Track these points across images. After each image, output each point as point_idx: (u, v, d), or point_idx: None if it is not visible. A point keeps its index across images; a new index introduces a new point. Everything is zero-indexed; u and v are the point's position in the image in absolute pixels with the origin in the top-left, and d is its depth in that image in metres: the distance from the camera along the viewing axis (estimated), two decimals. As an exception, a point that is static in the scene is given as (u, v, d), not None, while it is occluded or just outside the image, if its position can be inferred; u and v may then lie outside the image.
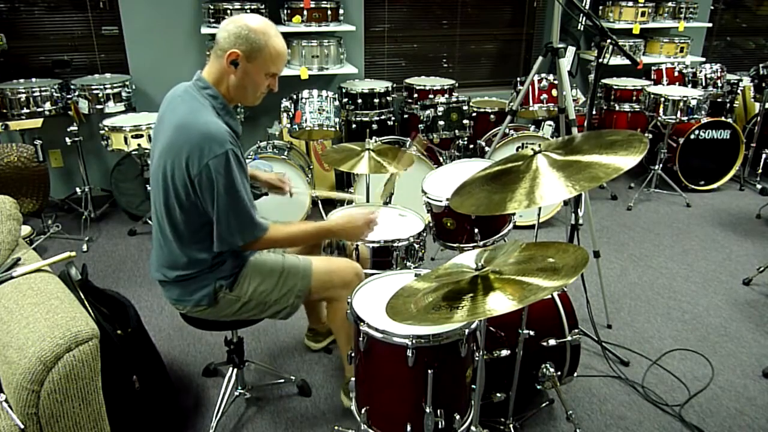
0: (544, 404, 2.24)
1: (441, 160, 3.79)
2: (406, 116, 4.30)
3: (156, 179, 1.72)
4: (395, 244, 2.18)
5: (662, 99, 4.06)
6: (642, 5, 4.54)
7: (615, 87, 4.57)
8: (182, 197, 1.68)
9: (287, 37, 3.90)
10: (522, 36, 5.03)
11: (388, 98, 4.05)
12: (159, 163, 1.69)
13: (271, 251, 2.09)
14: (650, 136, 4.46)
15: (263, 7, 3.79)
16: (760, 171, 4.61)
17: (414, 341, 1.53)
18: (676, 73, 4.61)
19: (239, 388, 2.26)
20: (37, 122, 3.55)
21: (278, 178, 2.23)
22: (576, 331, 2.07)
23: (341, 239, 2.00)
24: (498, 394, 1.99)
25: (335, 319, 2.05)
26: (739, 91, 4.78)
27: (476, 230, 2.29)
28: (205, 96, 1.71)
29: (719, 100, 4.69)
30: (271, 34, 1.69)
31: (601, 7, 4.74)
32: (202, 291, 1.81)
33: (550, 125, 3.94)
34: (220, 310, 1.87)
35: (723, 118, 4.39)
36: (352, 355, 1.73)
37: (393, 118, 4.10)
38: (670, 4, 4.69)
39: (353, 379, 1.76)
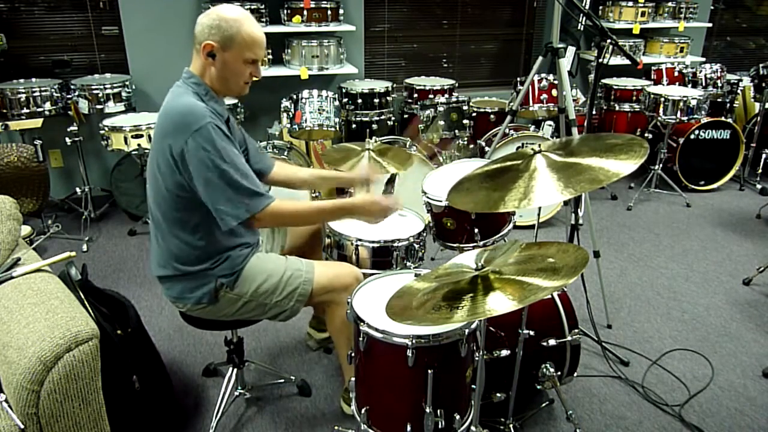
0: (544, 404, 2.24)
1: (441, 160, 3.79)
2: (406, 116, 4.30)
3: (150, 172, 1.75)
4: (395, 244, 2.18)
5: (662, 99, 4.06)
6: (642, 5, 4.55)
7: (615, 87, 4.57)
8: (169, 182, 1.69)
9: (287, 37, 3.93)
10: (522, 36, 5.03)
11: (388, 98, 4.05)
12: (151, 156, 1.72)
13: (272, 253, 2.09)
14: (650, 136, 4.46)
15: (263, 7, 3.79)
16: (760, 171, 4.61)
17: (414, 341, 1.53)
18: (676, 73, 4.62)
19: (239, 388, 2.26)
20: (37, 122, 3.55)
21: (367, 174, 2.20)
22: (576, 331, 2.07)
23: (359, 217, 1.98)
24: (498, 394, 1.99)
25: (334, 323, 2.04)
26: (739, 91, 4.78)
27: (476, 230, 2.29)
28: (189, 84, 1.74)
29: (719, 100, 4.69)
30: (243, 21, 1.69)
31: (601, 7, 4.74)
32: (203, 288, 1.81)
33: (550, 125, 3.94)
34: (221, 308, 1.87)
35: (723, 118, 4.39)
36: (352, 354, 1.74)
37: (393, 118, 4.10)
38: (670, 4, 4.70)
39: (353, 379, 1.76)
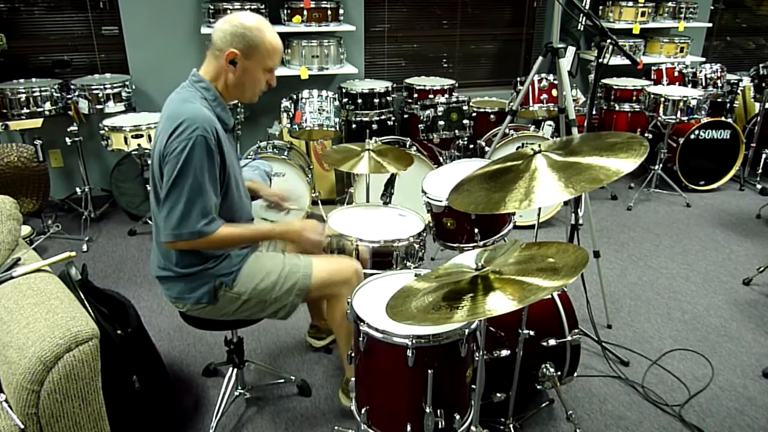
0: (544, 404, 2.24)
1: (441, 160, 3.79)
2: (406, 116, 4.30)
3: (151, 173, 1.75)
4: (395, 244, 2.18)
5: (662, 99, 4.06)
6: (642, 5, 4.55)
7: (615, 87, 4.57)
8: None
9: (287, 37, 3.93)
10: (522, 36, 5.03)
11: (388, 98, 4.05)
12: (154, 156, 1.71)
13: (271, 250, 2.09)
14: (650, 136, 4.46)
15: (263, 7, 3.79)
16: (760, 171, 4.61)
17: (414, 341, 1.53)
18: (676, 73, 4.61)
19: (239, 388, 2.26)
20: (37, 122, 3.55)
21: (279, 197, 2.19)
22: (576, 331, 2.07)
23: (283, 240, 1.94)
24: (498, 394, 1.99)
25: (335, 317, 2.05)
26: (739, 91, 4.78)
27: (476, 230, 2.29)
28: (197, 88, 1.74)
29: (719, 100, 4.69)
30: (266, 30, 1.72)
31: (601, 7, 4.74)
32: (202, 288, 1.82)
33: (550, 125, 3.94)
34: (220, 308, 1.87)
35: (723, 118, 4.39)
36: (352, 354, 1.74)
37: (393, 118, 4.10)
38: (670, 4, 4.70)
39: (353, 379, 1.76)
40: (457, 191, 1.71)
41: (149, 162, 1.85)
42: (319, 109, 3.53)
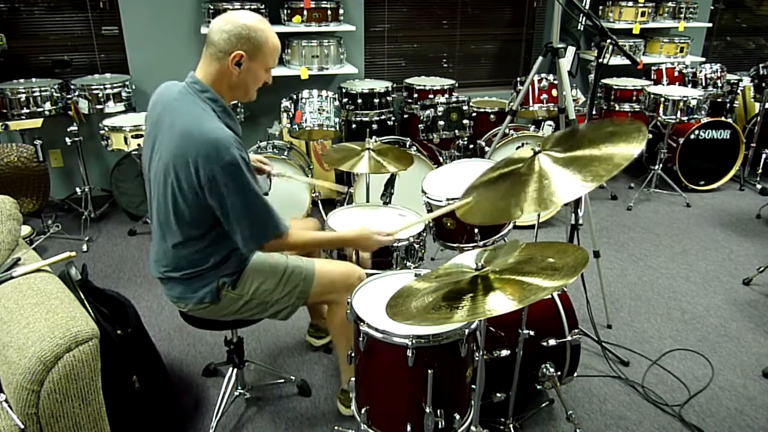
0: (544, 404, 2.24)
1: (441, 160, 3.79)
2: (406, 116, 4.30)
3: (160, 184, 1.70)
4: (395, 244, 2.18)
5: (662, 99, 4.06)
6: (642, 5, 4.55)
7: (615, 87, 4.57)
8: (191, 204, 1.67)
9: (287, 37, 3.93)
10: (522, 36, 5.03)
11: (388, 98, 4.05)
12: (166, 168, 1.66)
13: (273, 253, 2.09)
14: (650, 136, 4.46)
15: (263, 7, 3.79)
16: (760, 171, 4.61)
17: (414, 341, 1.53)
18: (676, 73, 4.62)
19: (239, 388, 2.26)
20: (37, 122, 3.55)
21: (258, 159, 2.22)
22: (576, 331, 2.07)
23: (354, 249, 2.04)
24: (498, 394, 1.99)
25: (334, 322, 2.05)
26: (739, 91, 4.78)
27: (476, 230, 2.29)
28: (204, 100, 1.69)
29: (719, 100, 4.69)
30: (267, 30, 1.70)
31: (601, 7, 4.74)
32: (204, 288, 1.81)
33: (550, 125, 3.94)
34: (222, 308, 1.87)
35: (723, 118, 4.39)
36: (352, 355, 1.74)
37: (393, 118, 4.10)
38: (670, 4, 4.70)
39: (353, 379, 1.76)
40: (464, 197, 1.69)
41: (148, 163, 1.83)
42: (319, 109, 3.53)
